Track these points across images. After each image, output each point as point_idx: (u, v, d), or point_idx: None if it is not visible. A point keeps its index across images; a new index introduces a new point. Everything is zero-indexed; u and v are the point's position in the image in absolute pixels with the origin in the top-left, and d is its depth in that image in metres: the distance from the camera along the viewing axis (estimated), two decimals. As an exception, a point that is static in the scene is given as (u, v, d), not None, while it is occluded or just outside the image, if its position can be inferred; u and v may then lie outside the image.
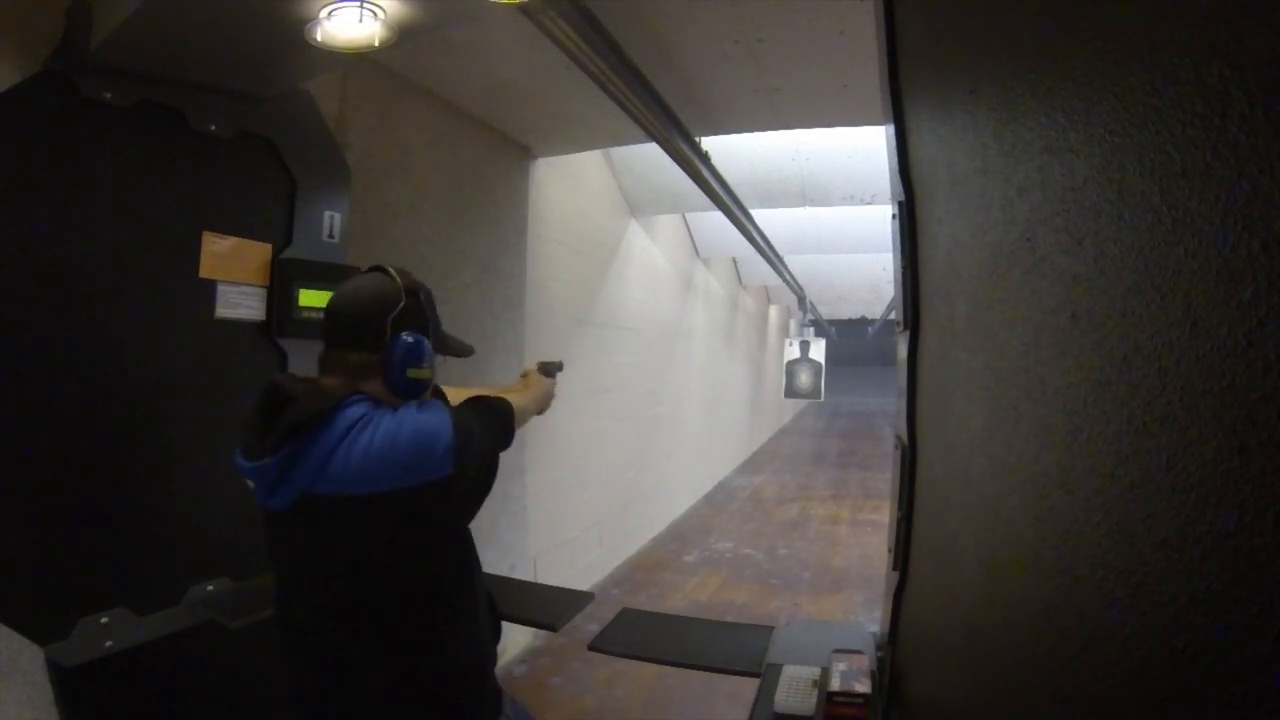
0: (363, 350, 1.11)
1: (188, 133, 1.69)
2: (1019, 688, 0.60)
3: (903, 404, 1.19)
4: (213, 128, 1.74)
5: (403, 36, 1.49)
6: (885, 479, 5.24)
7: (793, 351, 8.50)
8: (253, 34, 1.50)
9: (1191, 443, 0.35)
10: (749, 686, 1.51)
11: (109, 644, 1.54)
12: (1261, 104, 0.31)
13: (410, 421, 1.07)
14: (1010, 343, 0.63)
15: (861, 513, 7.12)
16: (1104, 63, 0.44)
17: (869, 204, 4.48)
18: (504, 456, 1.25)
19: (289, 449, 1.02)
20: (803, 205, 4.75)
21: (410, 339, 1.12)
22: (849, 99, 2.71)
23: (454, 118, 2.88)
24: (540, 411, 1.57)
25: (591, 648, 1.72)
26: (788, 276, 7.32)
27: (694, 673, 1.96)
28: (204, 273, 1.74)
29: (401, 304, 1.14)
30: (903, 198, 1.13)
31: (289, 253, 1.94)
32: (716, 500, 7.66)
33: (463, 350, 1.30)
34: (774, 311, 13.54)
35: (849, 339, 14.69)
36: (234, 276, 1.81)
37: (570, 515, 4.17)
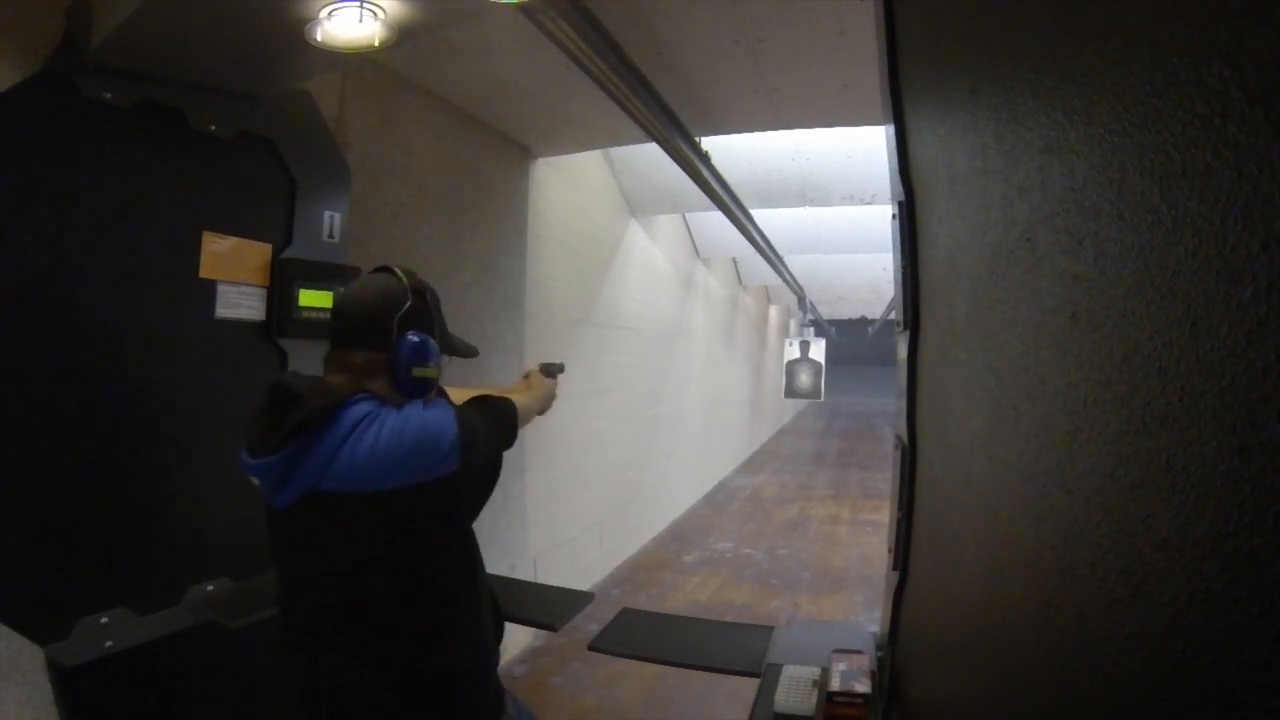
0: (369, 349, 1.11)
1: (188, 133, 1.69)
2: (1019, 688, 0.60)
3: (903, 404, 1.19)
4: (213, 128, 1.74)
5: (403, 36, 1.49)
6: (885, 479, 5.25)
7: (793, 351, 8.50)
8: (253, 34, 1.50)
9: (1191, 443, 0.35)
10: (749, 686, 1.50)
11: (109, 644, 1.54)
12: (1261, 104, 0.31)
13: (416, 419, 1.07)
14: (1010, 343, 0.63)
15: (861, 513, 7.11)
16: (1104, 63, 0.44)
17: (869, 204, 4.48)
18: (505, 456, 1.25)
19: (295, 446, 1.02)
20: (803, 205, 4.75)
21: (416, 338, 1.13)
22: (849, 99, 2.71)
23: (454, 117, 2.88)
24: (542, 412, 1.57)
25: (591, 648, 1.72)
26: (788, 276, 7.31)
27: (694, 673, 1.96)
28: (204, 273, 1.74)
29: (408, 304, 1.14)
30: (903, 198, 1.13)
31: (289, 253, 1.94)
32: (716, 500, 7.66)
33: (468, 351, 1.30)
34: (774, 311, 13.54)
35: (849, 339, 14.67)
36: (234, 276, 1.81)
37: (570, 515, 4.17)
